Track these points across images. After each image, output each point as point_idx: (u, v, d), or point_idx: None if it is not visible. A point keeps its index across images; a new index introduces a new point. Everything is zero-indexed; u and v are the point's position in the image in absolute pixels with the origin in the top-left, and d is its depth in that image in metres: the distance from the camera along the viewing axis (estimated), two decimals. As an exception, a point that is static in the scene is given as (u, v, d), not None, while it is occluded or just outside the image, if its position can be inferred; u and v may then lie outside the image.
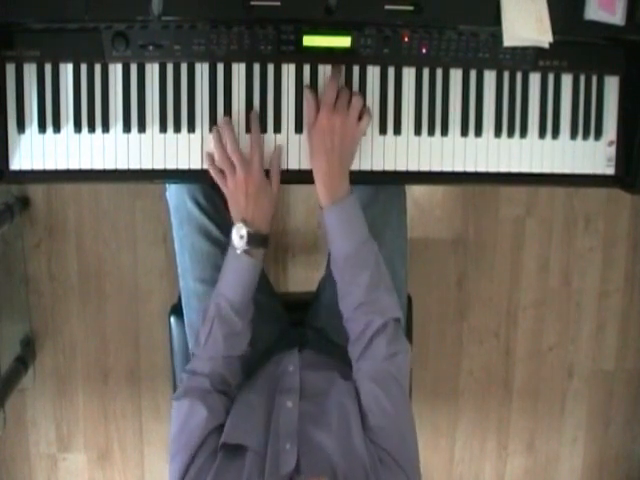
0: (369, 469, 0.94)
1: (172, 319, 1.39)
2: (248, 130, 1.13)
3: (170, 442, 1.05)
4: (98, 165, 1.14)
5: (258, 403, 1.07)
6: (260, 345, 1.24)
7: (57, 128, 1.13)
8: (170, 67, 1.13)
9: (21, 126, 1.12)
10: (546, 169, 1.20)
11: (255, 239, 1.10)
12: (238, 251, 1.10)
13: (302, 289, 1.46)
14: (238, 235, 1.09)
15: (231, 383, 1.12)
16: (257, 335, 1.23)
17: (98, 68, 1.12)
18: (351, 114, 1.10)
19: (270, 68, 1.14)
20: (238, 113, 1.14)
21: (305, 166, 1.15)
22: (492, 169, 1.20)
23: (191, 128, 1.14)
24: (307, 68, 1.14)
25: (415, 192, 2.02)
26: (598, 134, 1.21)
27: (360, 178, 1.17)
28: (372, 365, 1.07)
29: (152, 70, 1.13)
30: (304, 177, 1.16)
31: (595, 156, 1.21)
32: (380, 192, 1.24)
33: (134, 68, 1.12)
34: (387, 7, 1.08)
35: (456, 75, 1.17)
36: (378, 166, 1.17)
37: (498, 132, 1.18)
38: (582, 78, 1.19)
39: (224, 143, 1.11)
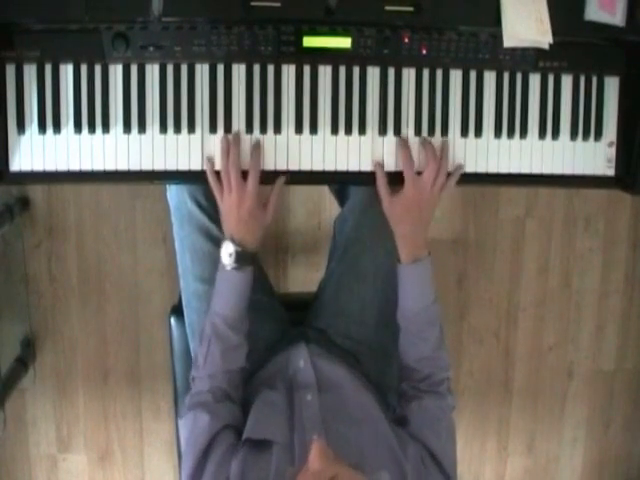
0: (402, 459, 1.00)
1: (172, 319, 1.39)
2: (249, 131, 1.14)
3: (182, 454, 1.08)
4: (98, 166, 1.14)
5: (278, 400, 1.09)
6: (261, 344, 1.25)
7: (57, 129, 1.13)
8: (170, 68, 1.13)
9: (21, 127, 1.12)
10: (546, 170, 1.20)
11: (242, 257, 1.11)
12: (227, 267, 1.12)
13: (302, 289, 1.46)
14: (227, 253, 1.11)
15: (233, 395, 1.12)
16: (258, 335, 1.24)
17: (98, 69, 1.12)
18: (435, 189, 1.13)
19: (270, 69, 1.14)
20: (238, 114, 1.14)
21: (305, 167, 1.16)
22: (492, 169, 1.19)
23: (191, 129, 1.14)
24: (307, 69, 1.14)
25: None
26: (598, 135, 1.21)
27: (361, 179, 1.17)
28: (425, 410, 1.13)
29: (152, 71, 1.13)
30: (304, 178, 1.16)
31: (595, 157, 1.21)
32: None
33: (134, 69, 1.12)
34: (387, 8, 1.08)
35: (456, 76, 1.17)
36: (378, 167, 1.17)
37: (498, 133, 1.18)
38: (582, 79, 1.19)
39: (229, 159, 1.11)
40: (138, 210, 1.98)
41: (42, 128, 1.12)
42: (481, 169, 1.19)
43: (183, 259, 1.25)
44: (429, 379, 1.16)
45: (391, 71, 1.15)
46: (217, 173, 1.13)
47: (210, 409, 1.07)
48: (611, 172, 1.22)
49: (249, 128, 1.14)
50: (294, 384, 1.12)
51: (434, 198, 1.14)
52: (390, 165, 1.17)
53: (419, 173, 1.14)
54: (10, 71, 1.11)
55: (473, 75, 1.17)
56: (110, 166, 1.14)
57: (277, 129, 1.14)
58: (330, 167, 1.16)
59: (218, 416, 1.06)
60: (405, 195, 1.13)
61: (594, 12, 1.10)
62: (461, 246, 2.08)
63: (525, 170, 1.20)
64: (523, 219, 2.08)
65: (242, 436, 1.03)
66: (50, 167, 1.14)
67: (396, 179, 1.16)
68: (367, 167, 1.16)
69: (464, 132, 1.18)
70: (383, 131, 1.16)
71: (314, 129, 1.15)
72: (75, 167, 1.14)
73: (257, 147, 1.13)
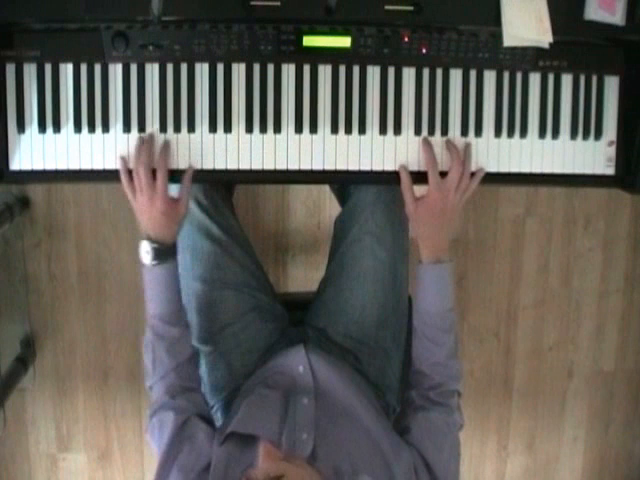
0: (393, 464, 1.00)
1: (172, 319, 1.38)
2: (249, 130, 1.14)
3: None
4: (98, 165, 1.14)
5: (272, 397, 1.09)
6: (262, 344, 1.25)
7: (57, 128, 1.13)
8: (170, 67, 1.13)
9: (21, 126, 1.12)
10: (546, 169, 1.20)
11: (161, 252, 1.11)
12: (149, 266, 1.11)
13: (302, 289, 1.46)
14: (144, 251, 1.11)
15: (191, 386, 1.13)
16: (258, 334, 1.24)
17: (98, 68, 1.12)
18: (459, 192, 1.14)
19: (270, 68, 1.14)
20: (238, 113, 1.14)
21: (305, 166, 1.16)
22: (492, 169, 1.20)
23: (191, 128, 1.14)
24: (307, 68, 1.14)
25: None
26: (598, 134, 1.21)
27: (361, 178, 1.17)
28: (431, 423, 1.12)
29: (152, 70, 1.13)
30: (304, 178, 1.16)
31: (595, 156, 1.21)
32: (383, 192, 1.24)
33: (134, 68, 1.12)
34: (387, 7, 1.08)
35: (456, 75, 1.17)
36: (378, 166, 1.17)
37: (498, 132, 1.18)
38: (582, 78, 1.19)
39: (139, 159, 1.11)
40: (138, 210, 1.98)
41: (42, 127, 1.12)
42: (481, 168, 1.19)
43: (183, 258, 1.24)
44: (439, 388, 1.15)
45: (391, 70, 1.15)
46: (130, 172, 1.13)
47: (170, 406, 1.08)
48: (611, 171, 1.22)
49: (249, 128, 1.14)
50: (292, 387, 1.12)
51: (458, 201, 1.15)
52: (389, 164, 1.17)
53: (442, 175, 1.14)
54: (10, 71, 1.11)
55: (473, 74, 1.17)
56: (110, 165, 1.14)
57: (277, 128, 1.14)
58: (330, 166, 1.16)
59: (180, 410, 1.07)
60: (429, 197, 1.14)
61: (594, 11, 1.10)
62: (461, 246, 2.08)
63: (525, 169, 1.20)
64: (523, 219, 2.08)
65: (218, 423, 1.05)
66: (50, 166, 1.14)
67: (395, 179, 1.16)
68: (367, 166, 1.17)
69: (464, 131, 1.18)
70: (383, 130, 1.16)
71: (314, 128, 1.15)
72: (75, 166, 1.14)
73: (166, 147, 1.13)
